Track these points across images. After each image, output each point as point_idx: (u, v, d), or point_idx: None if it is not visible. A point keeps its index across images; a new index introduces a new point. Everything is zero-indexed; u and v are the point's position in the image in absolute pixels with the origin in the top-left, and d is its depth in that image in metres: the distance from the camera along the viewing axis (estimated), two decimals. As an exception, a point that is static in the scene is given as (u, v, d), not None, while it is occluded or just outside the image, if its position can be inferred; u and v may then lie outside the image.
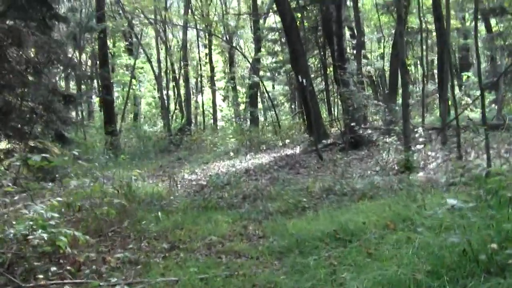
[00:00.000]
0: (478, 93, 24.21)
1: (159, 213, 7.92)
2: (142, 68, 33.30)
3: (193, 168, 15.35)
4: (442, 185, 8.04)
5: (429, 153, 10.95)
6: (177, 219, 7.82)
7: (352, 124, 12.61)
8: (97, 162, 15.94)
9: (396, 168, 10.75)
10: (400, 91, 14.34)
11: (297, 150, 16.55)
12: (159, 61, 29.48)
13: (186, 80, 29.12)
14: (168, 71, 30.03)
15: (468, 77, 24.45)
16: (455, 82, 23.28)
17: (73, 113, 22.96)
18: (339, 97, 17.10)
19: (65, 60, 17.41)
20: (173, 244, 6.46)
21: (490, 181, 7.20)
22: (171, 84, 32.53)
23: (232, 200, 9.63)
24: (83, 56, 27.81)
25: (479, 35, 26.63)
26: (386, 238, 5.36)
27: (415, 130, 11.33)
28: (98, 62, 25.70)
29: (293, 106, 31.51)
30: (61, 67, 16.23)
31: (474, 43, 10.67)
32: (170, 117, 28.10)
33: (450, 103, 15.89)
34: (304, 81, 15.72)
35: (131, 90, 32.13)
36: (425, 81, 17.88)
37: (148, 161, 19.02)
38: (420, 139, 11.23)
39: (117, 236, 6.88)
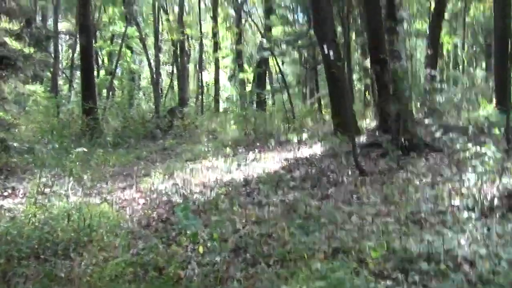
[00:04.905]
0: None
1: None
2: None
3: (170, 169, 10.71)
4: None
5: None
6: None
7: (413, 118, 7.92)
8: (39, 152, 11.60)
9: (497, 203, 6.07)
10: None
11: (318, 148, 11.98)
12: (156, 30, 24.71)
13: (181, 51, 24.40)
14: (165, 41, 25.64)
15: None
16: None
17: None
18: (375, 76, 12.14)
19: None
20: None
21: None
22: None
23: (212, 256, 5.13)
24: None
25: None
26: None
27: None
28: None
29: (304, 90, 26.84)
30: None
31: None
32: (160, 95, 23.52)
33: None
34: (331, 52, 11.25)
35: (125, 63, 27.93)
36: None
37: (123, 151, 14.60)
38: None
39: None
